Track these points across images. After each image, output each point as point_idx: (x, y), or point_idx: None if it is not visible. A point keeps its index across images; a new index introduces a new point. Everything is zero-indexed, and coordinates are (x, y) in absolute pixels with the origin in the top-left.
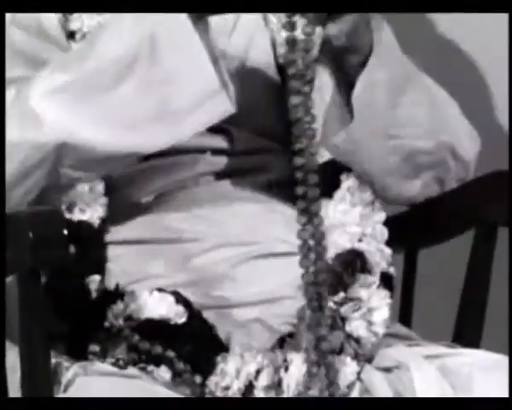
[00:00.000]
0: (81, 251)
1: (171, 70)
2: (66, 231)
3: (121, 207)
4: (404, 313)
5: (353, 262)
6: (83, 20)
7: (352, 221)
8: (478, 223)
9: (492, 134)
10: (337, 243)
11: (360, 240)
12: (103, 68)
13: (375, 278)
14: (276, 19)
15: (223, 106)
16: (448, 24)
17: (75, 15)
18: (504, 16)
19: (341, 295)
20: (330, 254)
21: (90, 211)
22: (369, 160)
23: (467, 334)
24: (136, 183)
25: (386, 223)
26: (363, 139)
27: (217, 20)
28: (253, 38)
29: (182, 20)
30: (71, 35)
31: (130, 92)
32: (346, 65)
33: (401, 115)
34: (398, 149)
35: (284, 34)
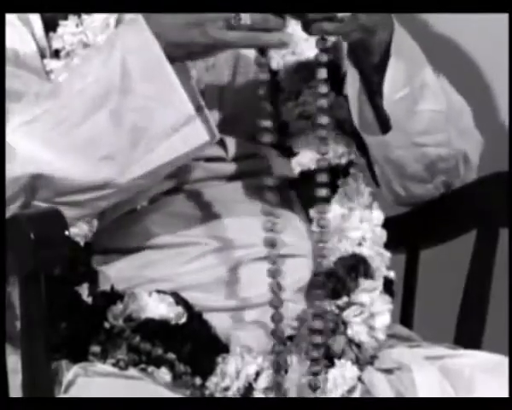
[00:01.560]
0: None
1: (144, 99)
2: (67, 232)
3: (116, 215)
4: (405, 314)
5: (356, 267)
6: (64, 39)
7: (351, 226)
8: (479, 224)
9: (493, 134)
10: (338, 247)
11: (360, 244)
12: (75, 103)
13: (377, 284)
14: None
15: (198, 132)
16: (448, 24)
17: (57, 34)
18: (504, 16)
19: (344, 299)
20: (332, 258)
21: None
22: (395, 165)
23: (468, 335)
24: None
25: (387, 224)
26: (392, 147)
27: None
28: None
29: (153, 48)
30: (55, 53)
31: (103, 123)
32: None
33: (424, 122)
34: (424, 156)
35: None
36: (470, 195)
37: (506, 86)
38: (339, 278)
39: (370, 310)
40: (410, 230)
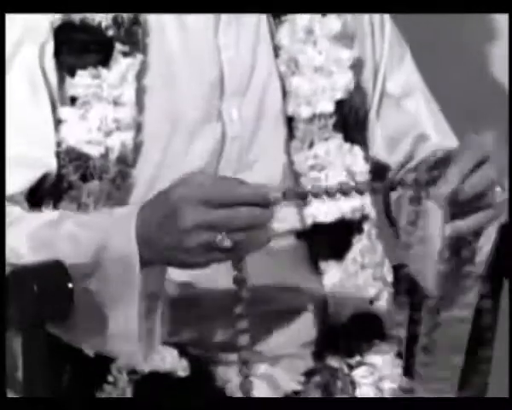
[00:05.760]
0: None
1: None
2: (70, 284)
3: None
4: (407, 363)
5: (371, 327)
6: (79, 89)
7: (365, 284)
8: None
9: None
10: (351, 304)
11: (372, 303)
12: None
13: (391, 347)
14: (285, 66)
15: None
16: (448, 24)
17: (74, 81)
18: (504, 16)
19: (357, 358)
20: (344, 314)
21: None
22: None
23: (472, 384)
24: None
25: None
26: None
27: (230, 80)
28: (267, 86)
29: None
30: (72, 101)
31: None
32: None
33: None
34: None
35: None
36: None
37: (506, 86)
38: (353, 335)
39: (380, 372)
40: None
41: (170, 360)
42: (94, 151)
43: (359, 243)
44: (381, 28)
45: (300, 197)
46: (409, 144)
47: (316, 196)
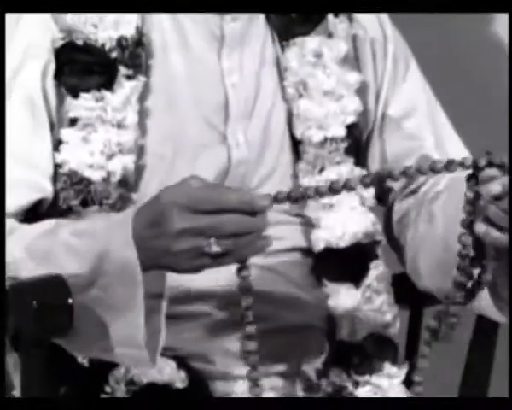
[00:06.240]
0: None
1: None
2: (70, 300)
3: None
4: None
5: (384, 349)
6: (82, 111)
7: (378, 309)
8: None
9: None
10: (364, 327)
11: (386, 327)
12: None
13: (401, 373)
14: (292, 89)
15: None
16: (448, 24)
17: (77, 102)
18: (504, 16)
19: (365, 378)
20: (360, 334)
21: None
22: None
23: (473, 391)
24: None
25: (392, 280)
26: None
27: (234, 104)
28: (272, 109)
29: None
30: (71, 122)
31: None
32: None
33: None
34: None
35: None
36: None
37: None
38: (366, 355)
39: (384, 395)
40: (414, 287)
41: (168, 372)
42: (96, 175)
43: (376, 269)
44: (383, 50)
45: (292, 200)
46: None
47: (308, 197)
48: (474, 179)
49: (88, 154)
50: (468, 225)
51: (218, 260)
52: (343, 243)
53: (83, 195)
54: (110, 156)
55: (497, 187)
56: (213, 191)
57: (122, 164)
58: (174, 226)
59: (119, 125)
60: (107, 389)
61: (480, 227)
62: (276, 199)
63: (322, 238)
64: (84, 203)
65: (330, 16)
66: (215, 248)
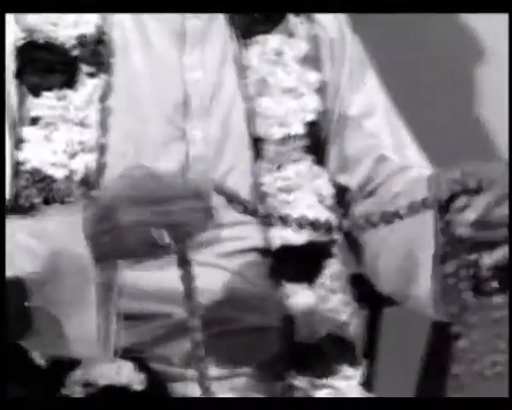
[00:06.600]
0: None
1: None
2: (26, 303)
3: None
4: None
5: (342, 350)
6: (44, 110)
7: (333, 308)
8: None
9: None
10: (321, 327)
11: (343, 327)
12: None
13: (358, 373)
14: (253, 88)
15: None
16: (448, 24)
17: (39, 101)
18: (504, 16)
19: (323, 380)
20: (318, 335)
21: None
22: None
23: (430, 392)
24: None
25: (352, 280)
26: None
27: (194, 100)
28: (232, 107)
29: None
30: (33, 121)
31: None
32: None
33: None
34: None
35: None
36: None
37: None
38: (324, 357)
39: (342, 395)
40: (372, 287)
41: (126, 374)
42: (58, 173)
43: (330, 268)
44: (341, 51)
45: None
46: (368, 166)
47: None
48: (443, 210)
49: (50, 152)
50: (443, 257)
51: (170, 248)
52: (299, 241)
53: (45, 193)
54: (72, 155)
55: (471, 214)
56: (157, 180)
57: (84, 162)
58: (123, 220)
59: (82, 124)
60: (64, 390)
61: None
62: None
63: (278, 235)
64: (46, 201)
65: (291, 16)
66: (167, 240)
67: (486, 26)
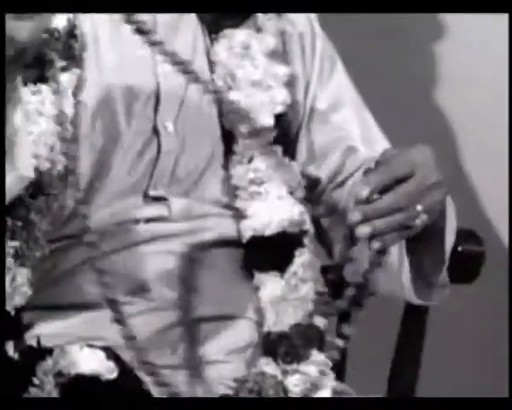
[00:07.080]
0: None
1: None
2: None
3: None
4: (338, 366)
5: (311, 336)
6: None
7: (303, 297)
8: None
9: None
10: (290, 316)
11: (312, 316)
12: None
13: (327, 358)
14: (221, 81)
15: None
16: (448, 24)
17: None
18: (504, 16)
19: (293, 366)
20: (286, 323)
21: None
22: None
23: (401, 385)
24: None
25: (323, 272)
26: None
27: (165, 93)
28: (202, 100)
29: None
30: None
31: None
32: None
33: None
34: None
35: None
36: None
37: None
38: (292, 344)
39: (314, 382)
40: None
41: (97, 363)
42: (42, 167)
43: (301, 257)
44: (311, 45)
45: None
46: (337, 158)
47: None
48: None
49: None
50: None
51: None
52: (269, 231)
53: (32, 187)
54: (51, 148)
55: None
56: None
57: (62, 155)
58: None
59: (57, 118)
60: (36, 381)
61: None
62: None
63: (249, 226)
64: (33, 196)
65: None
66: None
67: (486, 26)
